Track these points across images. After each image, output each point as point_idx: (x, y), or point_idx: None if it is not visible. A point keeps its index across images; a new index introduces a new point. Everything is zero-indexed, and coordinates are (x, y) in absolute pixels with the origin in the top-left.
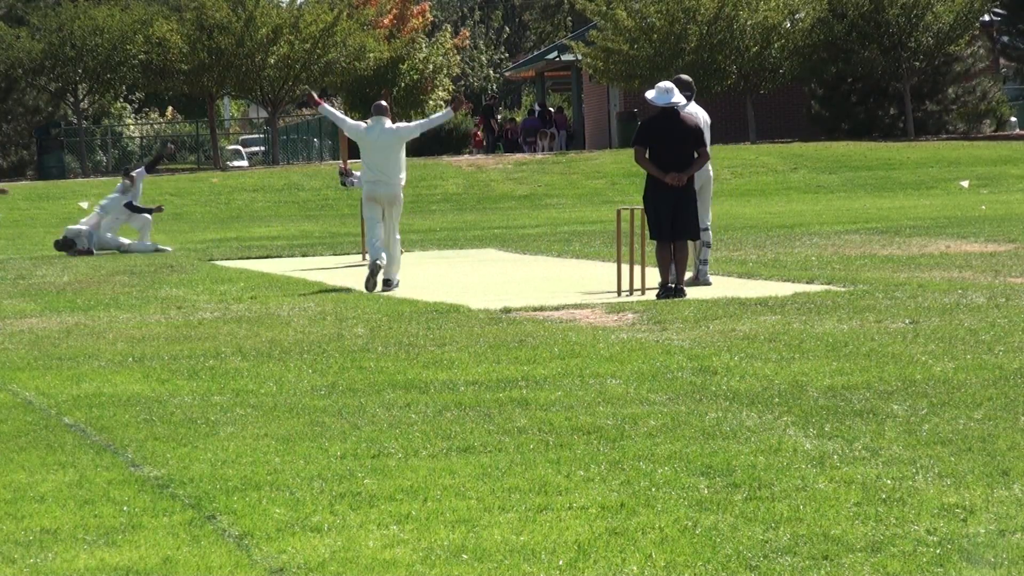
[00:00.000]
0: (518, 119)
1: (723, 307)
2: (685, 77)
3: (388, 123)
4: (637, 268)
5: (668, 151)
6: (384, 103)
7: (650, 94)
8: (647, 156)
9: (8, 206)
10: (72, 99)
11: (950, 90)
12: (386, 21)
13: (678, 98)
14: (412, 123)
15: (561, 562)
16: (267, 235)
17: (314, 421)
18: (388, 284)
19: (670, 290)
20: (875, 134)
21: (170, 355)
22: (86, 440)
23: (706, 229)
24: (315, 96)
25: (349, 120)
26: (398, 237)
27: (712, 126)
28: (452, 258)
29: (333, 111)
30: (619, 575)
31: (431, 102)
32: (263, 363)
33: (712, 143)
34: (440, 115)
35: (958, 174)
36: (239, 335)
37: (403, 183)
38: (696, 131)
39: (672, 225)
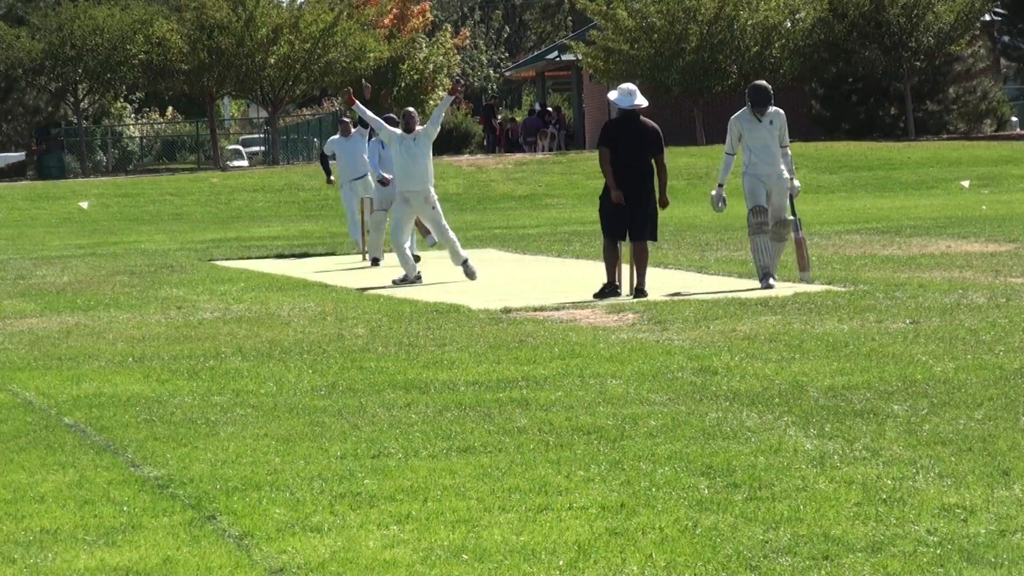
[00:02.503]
0: (518, 119)
1: (723, 307)
2: (763, 83)
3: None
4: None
5: (627, 153)
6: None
7: (613, 95)
8: (607, 158)
9: (8, 206)
10: (72, 99)
11: (951, 90)
12: (386, 21)
13: (640, 100)
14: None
15: (561, 562)
16: (267, 235)
17: (314, 421)
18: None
19: (614, 289)
20: (875, 134)
21: (170, 355)
22: (86, 440)
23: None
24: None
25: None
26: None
27: (712, 126)
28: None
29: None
30: (619, 575)
31: (431, 102)
32: (263, 363)
33: (712, 143)
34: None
35: (959, 174)
36: (239, 335)
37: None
38: (655, 135)
39: (630, 227)
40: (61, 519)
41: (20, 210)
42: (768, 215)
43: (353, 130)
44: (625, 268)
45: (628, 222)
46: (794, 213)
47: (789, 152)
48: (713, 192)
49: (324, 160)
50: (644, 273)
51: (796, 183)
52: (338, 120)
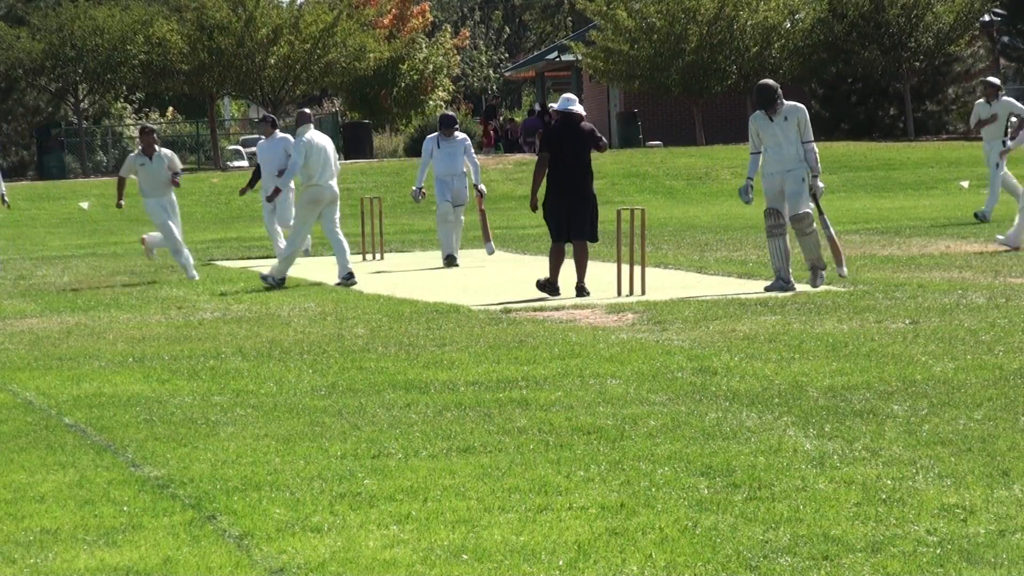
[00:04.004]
0: (518, 119)
1: (723, 307)
2: (766, 83)
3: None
4: (637, 268)
5: (568, 155)
6: (309, 110)
7: (555, 104)
8: (544, 164)
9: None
10: (72, 99)
11: (950, 90)
12: (386, 21)
13: (577, 108)
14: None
15: (561, 562)
16: (267, 235)
17: (314, 421)
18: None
19: (555, 289)
20: (875, 134)
21: (170, 355)
22: (86, 440)
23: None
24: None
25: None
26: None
27: (712, 126)
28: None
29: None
30: (619, 575)
31: (431, 102)
32: (263, 363)
33: (712, 143)
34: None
35: (958, 174)
36: (239, 335)
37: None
38: (591, 133)
39: (569, 227)
40: (61, 519)
41: (20, 210)
42: (783, 216)
43: (277, 133)
44: (628, 268)
45: (569, 222)
46: (820, 210)
47: (813, 148)
48: (741, 186)
49: (257, 170)
50: (584, 271)
51: (819, 184)
52: (262, 120)
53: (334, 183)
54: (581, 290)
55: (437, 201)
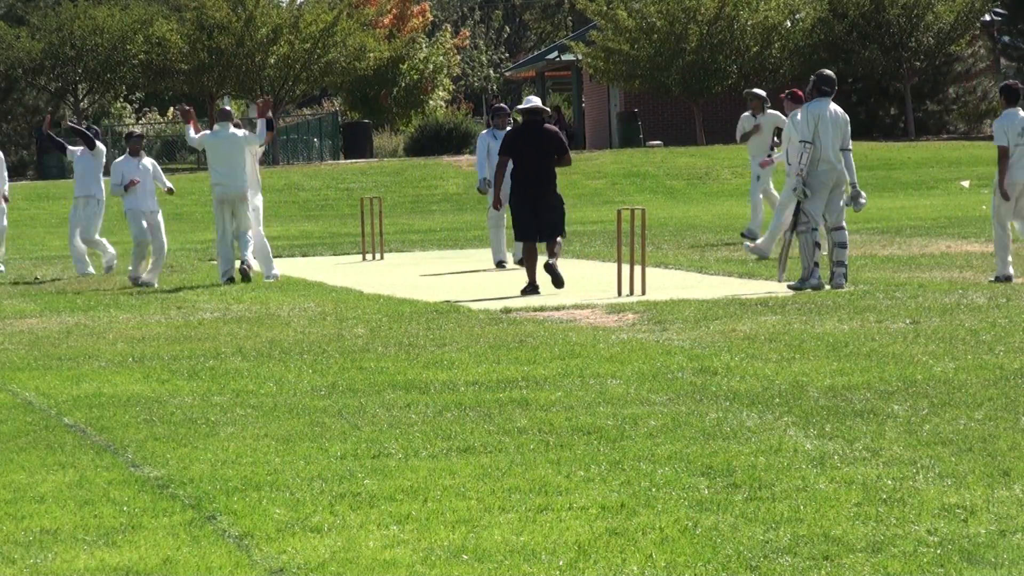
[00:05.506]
0: (518, 119)
1: (723, 307)
2: (827, 72)
3: (232, 128)
4: (637, 268)
5: (529, 159)
6: (229, 108)
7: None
8: (503, 167)
9: (8, 206)
10: (72, 99)
11: (951, 90)
12: (386, 21)
13: (537, 105)
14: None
15: (561, 562)
16: (267, 235)
17: (314, 421)
18: (246, 275)
19: (535, 288)
20: (875, 134)
21: (170, 355)
22: (86, 440)
23: (840, 228)
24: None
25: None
26: (260, 230)
27: (712, 126)
28: (452, 258)
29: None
30: (619, 575)
31: (431, 102)
32: (263, 363)
33: (712, 143)
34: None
35: (958, 174)
36: (239, 335)
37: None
38: (556, 138)
39: (539, 229)
40: (61, 519)
41: (20, 210)
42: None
43: (98, 144)
44: (629, 268)
45: (535, 225)
46: (796, 212)
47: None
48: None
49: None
50: (556, 254)
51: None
52: (86, 130)
53: (239, 181)
54: (550, 267)
55: (489, 202)
